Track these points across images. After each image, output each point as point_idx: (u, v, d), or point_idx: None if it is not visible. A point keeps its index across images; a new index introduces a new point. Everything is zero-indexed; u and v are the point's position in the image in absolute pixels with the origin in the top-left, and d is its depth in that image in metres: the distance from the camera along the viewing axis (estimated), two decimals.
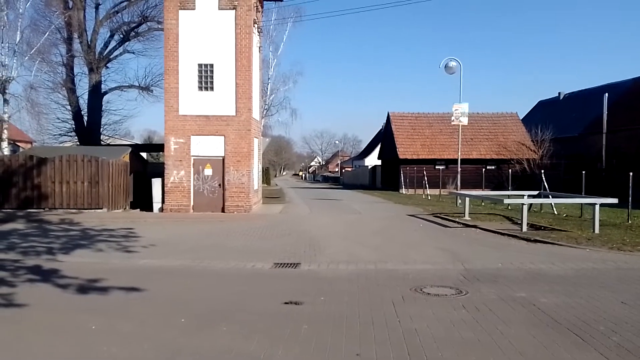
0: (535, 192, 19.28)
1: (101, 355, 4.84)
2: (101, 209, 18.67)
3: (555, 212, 18.26)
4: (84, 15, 28.49)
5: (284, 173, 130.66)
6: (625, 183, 16.13)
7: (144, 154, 27.40)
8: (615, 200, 14.40)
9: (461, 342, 5.18)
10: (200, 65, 19.02)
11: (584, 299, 6.82)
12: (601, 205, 13.86)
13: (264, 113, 34.41)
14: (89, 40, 28.62)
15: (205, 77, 19.05)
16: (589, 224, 14.24)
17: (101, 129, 30.45)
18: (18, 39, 23.35)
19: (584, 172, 18.10)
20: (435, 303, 6.69)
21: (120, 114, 33.23)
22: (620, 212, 16.96)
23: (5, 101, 23.51)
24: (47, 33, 25.58)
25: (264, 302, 6.76)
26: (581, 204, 17.23)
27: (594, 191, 19.36)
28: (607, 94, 31.39)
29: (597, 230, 13.16)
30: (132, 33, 29.81)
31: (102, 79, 29.87)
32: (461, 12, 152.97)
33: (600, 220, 13.64)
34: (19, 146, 32.99)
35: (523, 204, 14.28)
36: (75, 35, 28.40)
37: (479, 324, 5.74)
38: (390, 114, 40.07)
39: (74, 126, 29.70)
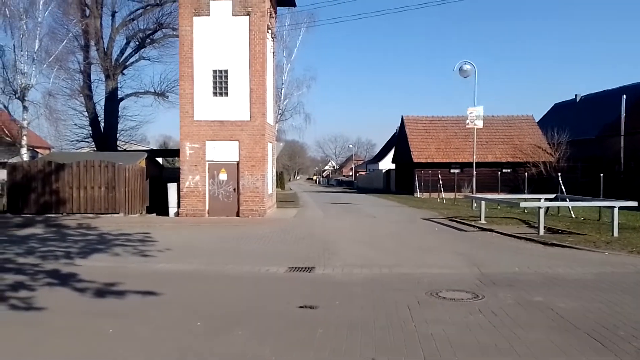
0: (552, 195, 19.06)
1: (117, 359, 4.88)
2: (118, 213, 18.89)
3: (573, 216, 18.01)
4: (101, 23, 28.97)
5: (298, 177, 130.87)
6: None
7: (159, 159, 27.68)
8: (634, 203, 14.15)
9: (478, 346, 5.13)
10: (214, 71, 19.18)
11: (603, 304, 6.71)
12: (620, 208, 13.63)
13: (278, 118, 34.54)
14: (105, 47, 29.05)
15: (220, 83, 19.20)
16: (607, 227, 14.02)
17: (117, 135, 30.83)
18: (37, 47, 23.80)
19: (601, 174, 17.82)
20: (451, 307, 6.64)
21: (136, 120, 33.75)
22: (639, 215, 16.67)
23: (25, 108, 23.95)
24: (65, 41, 26.04)
25: (278, 306, 6.77)
26: (599, 207, 16.97)
27: (612, 194, 19.07)
28: (624, 96, 30.93)
29: (616, 234, 12.95)
30: (148, 40, 30.19)
31: (119, 85, 30.29)
32: (476, 15, 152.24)
33: (619, 224, 13.42)
34: (37, 152, 33.54)
35: (540, 207, 14.12)
36: (92, 43, 28.86)
37: (496, 329, 5.69)
38: (404, 118, 39.94)
39: (91, 132, 30.12)
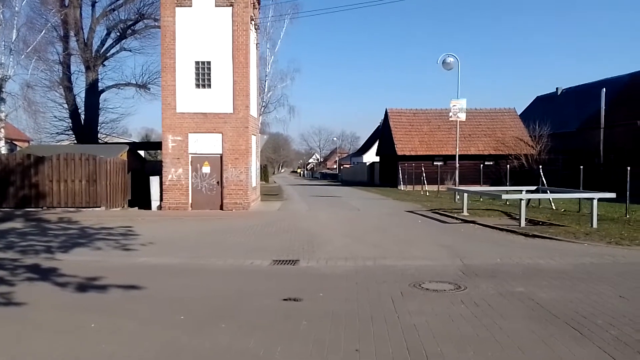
0: (534, 188, 19.31)
1: (100, 354, 4.83)
2: (99, 207, 18.66)
3: (554, 207, 18.29)
4: (81, 13, 28.45)
5: (282, 170, 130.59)
6: (623, 178, 16.15)
7: (141, 152, 27.40)
8: (613, 195, 14.42)
9: (460, 337, 5.20)
10: (197, 63, 18.98)
11: (582, 294, 6.84)
12: (599, 200, 13.89)
13: (262, 110, 34.38)
14: (85, 38, 28.55)
15: (203, 75, 19.01)
16: (587, 218, 14.27)
17: (98, 127, 30.39)
18: (14, 37, 23.29)
19: (581, 167, 18.10)
20: (434, 298, 6.71)
21: (117, 112, 33.19)
22: (618, 207, 17.00)
23: (2, 100, 23.46)
24: (44, 31, 25.52)
25: (263, 299, 6.76)
26: (579, 198, 17.26)
27: (592, 186, 19.40)
28: (604, 89, 31.41)
29: (595, 225, 13.19)
30: (129, 31, 29.74)
31: (99, 77, 29.84)
32: (459, 7, 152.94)
33: (598, 215, 13.68)
34: (16, 145, 32.93)
35: (521, 200, 14.31)
36: (72, 33, 28.32)
37: (478, 319, 5.76)
38: (388, 110, 40.06)
39: (71, 125, 29.66)
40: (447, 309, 6.17)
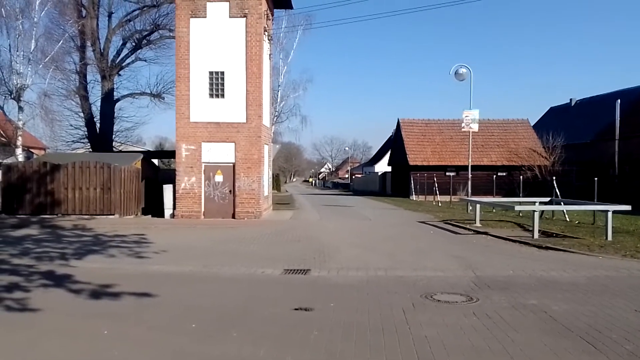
0: (547, 199, 19.13)
1: None
2: (113, 215, 18.84)
3: (567, 219, 18.10)
4: (97, 24, 28.91)
5: (294, 179, 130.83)
6: (638, 190, 15.95)
7: (155, 161, 27.62)
8: (628, 207, 14.24)
9: (472, 349, 5.16)
10: (211, 73, 19.20)
11: (596, 307, 6.75)
12: (614, 212, 13.71)
13: (274, 120, 34.56)
14: (101, 48, 29.00)
15: (216, 85, 19.21)
16: (601, 231, 14.10)
17: (113, 136, 30.75)
18: (33, 47, 23.74)
19: (596, 178, 17.92)
20: (445, 310, 6.67)
21: (132, 121, 33.54)
22: (634, 219, 16.77)
23: (20, 108, 23.89)
24: (61, 41, 26.01)
25: (273, 308, 6.78)
26: (593, 211, 17.07)
27: (607, 198, 19.17)
28: (619, 100, 31.13)
29: (610, 238, 13.02)
30: (144, 41, 30.15)
31: (115, 86, 30.22)
32: (472, 18, 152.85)
33: (613, 228, 13.50)
34: (32, 153, 33.43)
35: (534, 211, 14.17)
36: (89, 44, 28.79)
37: (490, 331, 5.72)
38: (400, 121, 40.04)
39: (86, 133, 30.05)
40: (458, 321, 6.13)
